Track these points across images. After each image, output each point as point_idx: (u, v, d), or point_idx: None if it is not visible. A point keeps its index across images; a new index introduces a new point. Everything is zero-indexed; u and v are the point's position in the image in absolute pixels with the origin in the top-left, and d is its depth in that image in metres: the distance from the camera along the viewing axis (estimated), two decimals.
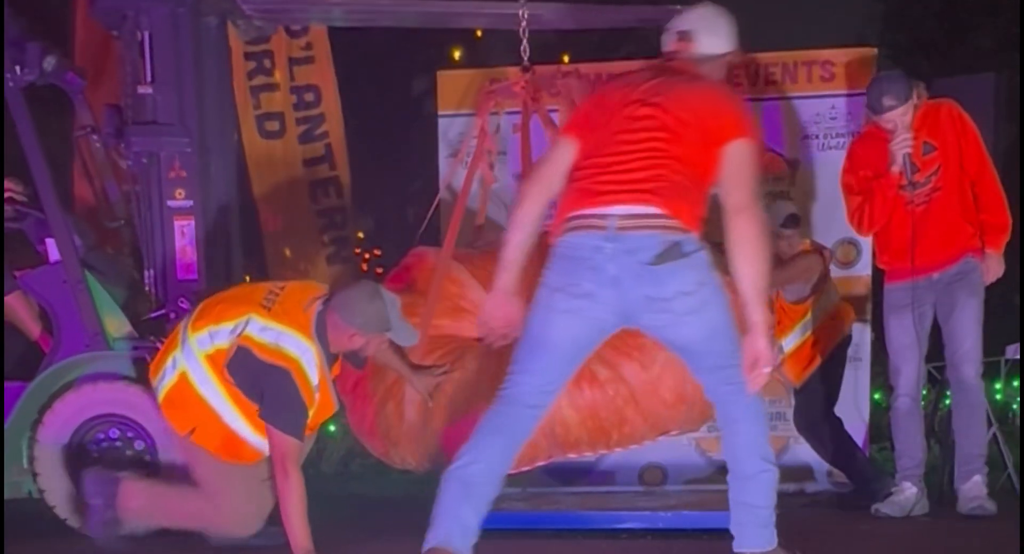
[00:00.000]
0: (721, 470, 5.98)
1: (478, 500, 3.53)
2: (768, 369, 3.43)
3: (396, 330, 4.24)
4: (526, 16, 5.09)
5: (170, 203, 5.19)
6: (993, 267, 5.10)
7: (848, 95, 6.23)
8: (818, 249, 5.75)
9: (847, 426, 5.82)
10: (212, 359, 4.19)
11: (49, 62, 5.14)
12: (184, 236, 5.19)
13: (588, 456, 4.64)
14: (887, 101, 4.98)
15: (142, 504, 4.32)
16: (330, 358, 4.24)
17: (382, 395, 4.65)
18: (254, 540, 4.45)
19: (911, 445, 5.18)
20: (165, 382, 4.29)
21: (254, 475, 4.34)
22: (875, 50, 6.45)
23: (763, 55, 6.34)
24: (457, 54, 13.00)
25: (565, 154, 3.61)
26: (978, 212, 5.09)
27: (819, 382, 5.71)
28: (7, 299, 5.19)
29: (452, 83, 6.60)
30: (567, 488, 5.72)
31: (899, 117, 5.00)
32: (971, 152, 5.08)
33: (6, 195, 5.20)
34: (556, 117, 5.21)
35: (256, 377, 4.12)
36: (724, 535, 4.38)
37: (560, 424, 4.36)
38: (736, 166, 3.45)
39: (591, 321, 3.50)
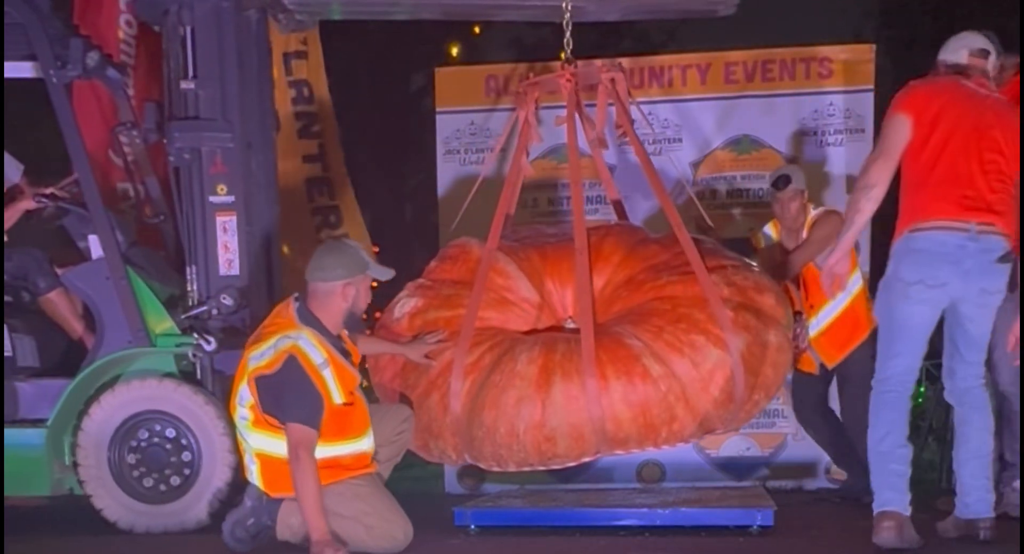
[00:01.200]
0: (718, 467, 6.14)
1: (898, 464, 4.09)
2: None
3: (373, 268, 4.34)
4: (569, 8, 5.04)
5: (212, 199, 5.14)
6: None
7: (846, 92, 6.23)
8: (833, 211, 5.55)
9: None
10: (257, 423, 4.20)
11: (92, 58, 5.12)
12: (226, 232, 5.15)
13: (634, 454, 4.56)
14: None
15: (300, 521, 4.22)
16: (334, 342, 4.25)
17: (424, 387, 4.60)
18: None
19: None
20: (255, 473, 4.26)
21: (376, 486, 4.33)
22: (873, 46, 6.43)
23: (761, 51, 6.34)
24: (455, 51, 13.02)
25: (904, 135, 4.10)
26: None
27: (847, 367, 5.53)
28: (51, 295, 5.17)
29: (450, 80, 6.61)
30: (565, 485, 5.67)
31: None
32: None
33: (48, 191, 5.17)
34: (592, 112, 5.17)
35: (276, 390, 4.12)
36: (722, 532, 4.41)
37: (611, 420, 4.30)
38: None
39: (936, 307, 4.13)
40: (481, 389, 4.44)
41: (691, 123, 5.97)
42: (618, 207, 5.30)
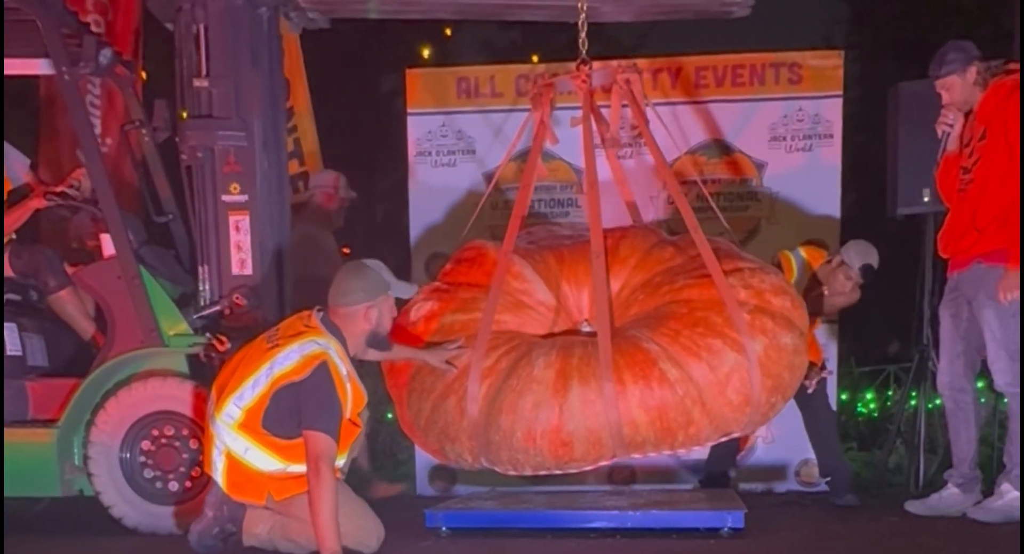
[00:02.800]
0: (689, 470, 6.15)
1: None
2: None
3: (395, 287, 4.33)
4: (585, 9, 5.01)
5: (225, 198, 5.10)
6: (1004, 283, 4.74)
7: (815, 97, 6.25)
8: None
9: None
10: (244, 425, 4.14)
11: (105, 55, 5.09)
12: (239, 231, 5.12)
13: (650, 457, 4.56)
14: (933, 68, 4.91)
15: (266, 530, 4.26)
16: (351, 360, 4.25)
17: (441, 391, 4.59)
18: None
19: (957, 444, 5.14)
20: (220, 470, 4.22)
21: (346, 491, 4.30)
22: (842, 53, 6.44)
23: (731, 57, 6.34)
24: (426, 52, 13.01)
25: None
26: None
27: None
28: (60, 294, 5.13)
29: (421, 81, 6.60)
30: (537, 487, 5.66)
31: (945, 89, 4.90)
32: (1014, 160, 4.72)
33: (58, 189, 5.13)
34: (606, 113, 5.16)
35: (296, 400, 4.07)
36: (692, 534, 4.43)
37: (629, 424, 4.30)
38: None
39: None
40: (498, 393, 4.43)
41: (661, 127, 5.97)
42: (632, 209, 5.29)
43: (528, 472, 4.48)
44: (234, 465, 4.18)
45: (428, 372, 4.67)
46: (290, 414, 4.08)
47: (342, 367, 4.14)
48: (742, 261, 4.65)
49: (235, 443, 4.16)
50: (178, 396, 4.91)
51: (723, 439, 4.62)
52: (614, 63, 5.23)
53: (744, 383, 4.34)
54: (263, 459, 4.15)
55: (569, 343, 4.53)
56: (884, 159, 6.15)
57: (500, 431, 4.42)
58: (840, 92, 6.28)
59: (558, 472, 4.50)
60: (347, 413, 4.16)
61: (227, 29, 5.11)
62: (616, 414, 4.28)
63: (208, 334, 4.96)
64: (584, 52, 4.98)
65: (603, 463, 4.51)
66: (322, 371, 4.06)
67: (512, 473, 4.53)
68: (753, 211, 6.35)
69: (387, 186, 12.95)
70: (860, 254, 5.47)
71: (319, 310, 4.29)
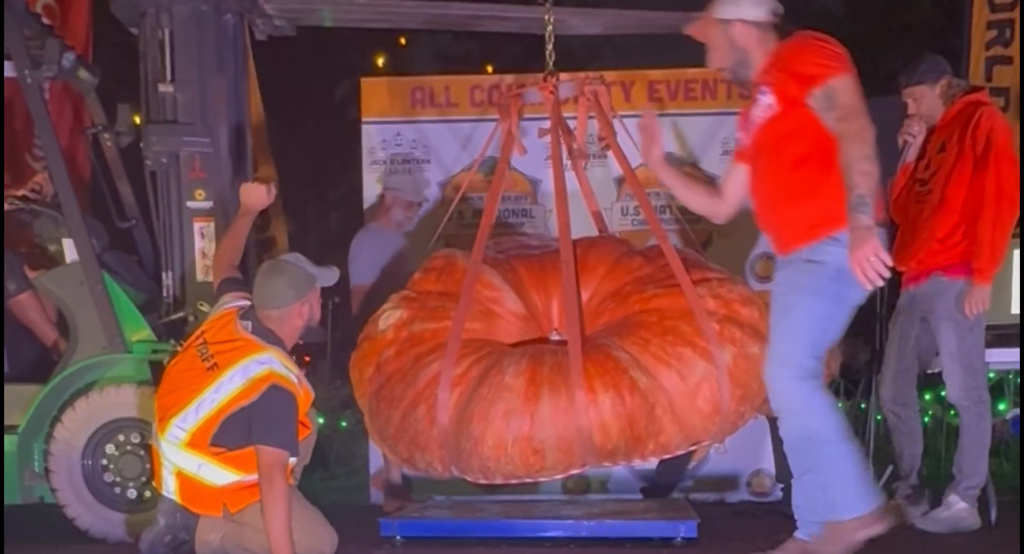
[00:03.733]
0: (644, 480, 6.16)
1: None
2: None
3: (320, 277, 4.34)
4: (552, 21, 5.06)
5: (190, 204, 5.09)
6: (972, 297, 4.78)
7: None
8: None
9: None
10: (192, 444, 4.09)
11: (68, 59, 5.05)
12: (203, 238, 5.10)
13: (620, 466, 4.59)
14: (904, 77, 4.98)
15: (219, 538, 4.21)
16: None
17: (411, 400, 4.56)
18: None
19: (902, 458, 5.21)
20: (172, 490, 4.17)
21: (299, 498, 4.29)
22: None
23: (684, 71, 6.42)
24: (380, 61, 13.02)
25: None
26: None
27: None
28: (20, 298, 5.06)
29: (376, 90, 6.61)
30: (491, 496, 5.67)
31: (913, 98, 4.97)
32: (982, 169, 4.76)
33: (19, 193, 5.07)
34: (572, 123, 5.21)
35: (248, 420, 4.04)
36: (646, 544, 4.49)
37: (599, 432, 4.29)
38: None
39: None
40: (469, 402, 4.41)
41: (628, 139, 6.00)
42: (598, 219, 5.33)
43: (499, 480, 4.46)
44: (187, 482, 4.13)
45: (398, 381, 4.64)
46: (243, 433, 4.04)
47: (291, 375, 4.10)
48: (710, 271, 4.70)
49: (186, 461, 4.11)
50: (141, 403, 4.84)
51: (692, 448, 4.66)
52: (581, 75, 5.27)
53: (713, 392, 4.35)
54: (218, 473, 4.11)
55: (539, 351, 4.53)
56: None
57: (471, 439, 4.39)
58: None
59: (529, 480, 4.49)
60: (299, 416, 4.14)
61: (192, 34, 5.11)
62: (587, 422, 4.27)
63: (172, 341, 4.91)
64: (551, 64, 5.02)
65: (574, 472, 4.50)
66: (273, 392, 4.02)
67: (483, 482, 4.51)
68: (705, 224, 6.34)
69: (340, 195, 12.95)
70: None
71: (243, 316, 4.21)
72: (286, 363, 4.12)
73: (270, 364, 4.06)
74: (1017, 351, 5.22)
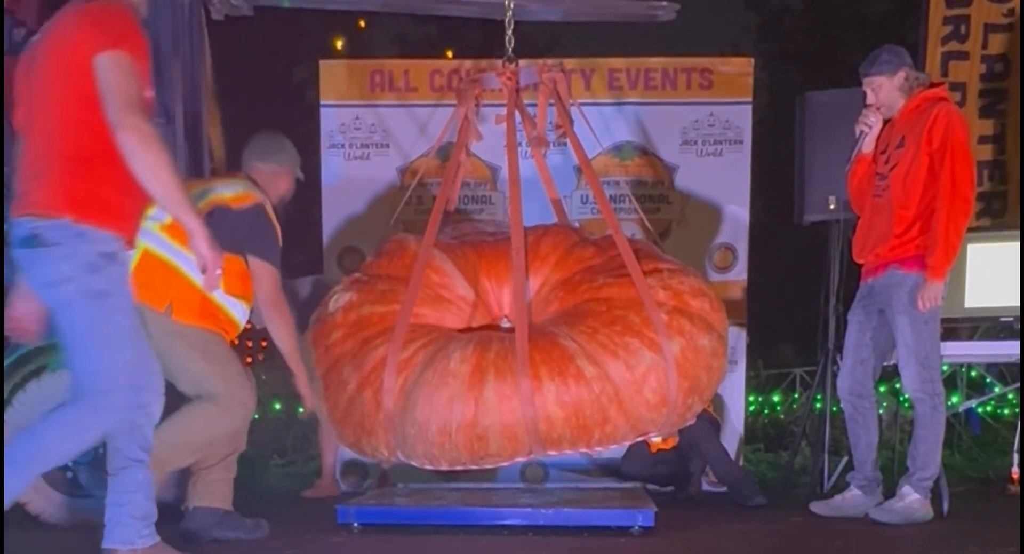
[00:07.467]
0: (602, 468, 6.25)
1: None
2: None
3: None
4: (512, 6, 5.07)
5: None
6: (925, 293, 4.83)
7: (725, 103, 6.38)
8: None
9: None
10: (171, 229, 4.08)
11: (18, 34, 4.97)
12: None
13: (568, 455, 4.59)
14: (864, 66, 4.99)
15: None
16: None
17: (358, 383, 4.54)
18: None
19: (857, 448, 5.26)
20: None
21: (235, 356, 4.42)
22: (752, 60, 6.58)
23: (642, 60, 6.44)
24: (339, 43, 12.93)
25: None
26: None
27: None
28: None
29: (335, 73, 6.58)
30: (449, 484, 5.68)
31: (872, 88, 4.99)
32: (938, 166, 4.80)
33: None
34: (533, 111, 5.19)
35: (233, 228, 4.15)
36: (604, 532, 4.50)
37: (544, 420, 4.29)
38: None
39: None
40: (414, 386, 4.40)
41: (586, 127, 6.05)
42: (557, 207, 5.33)
43: (444, 466, 4.46)
44: (147, 262, 4.16)
45: (346, 363, 4.62)
46: (224, 235, 3.87)
47: (274, 219, 4.31)
48: (662, 262, 4.70)
49: (157, 242, 4.16)
50: None
51: (640, 438, 4.68)
52: (540, 62, 5.26)
53: (661, 383, 4.36)
54: (183, 258, 4.11)
55: (487, 338, 4.52)
56: (792, 166, 6.26)
57: (416, 425, 4.39)
58: (750, 99, 6.43)
59: (474, 467, 4.49)
60: None
61: (148, 13, 5.01)
62: (532, 410, 4.27)
63: None
64: (510, 50, 5.02)
65: (520, 459, 4.50)
66: (261, 210, 4.27)
67: (429, 467, 4.51)
68: (664, 214, 6.45)
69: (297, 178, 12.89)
70: None
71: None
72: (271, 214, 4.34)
73: (260, 193, 4.30)
74: (968, 345, 5.31)
